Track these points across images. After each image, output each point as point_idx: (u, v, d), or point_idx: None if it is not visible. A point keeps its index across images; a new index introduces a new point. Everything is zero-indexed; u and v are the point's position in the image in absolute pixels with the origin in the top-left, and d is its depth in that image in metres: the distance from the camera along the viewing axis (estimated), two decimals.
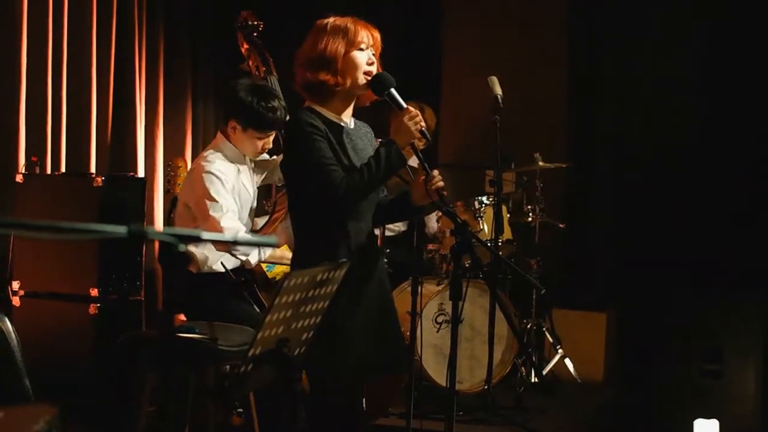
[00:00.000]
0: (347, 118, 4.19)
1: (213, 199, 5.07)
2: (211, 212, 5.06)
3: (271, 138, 5.35)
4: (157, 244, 6.44)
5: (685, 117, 7.91)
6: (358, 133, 4.24)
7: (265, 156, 5.58)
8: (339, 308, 3.89)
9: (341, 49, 4.06)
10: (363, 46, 4.09)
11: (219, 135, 5.40)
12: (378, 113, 4.65)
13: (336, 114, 4.14)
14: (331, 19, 4.14)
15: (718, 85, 7.78)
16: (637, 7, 8.13)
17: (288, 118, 5.36)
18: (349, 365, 4.07)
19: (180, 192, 5.40)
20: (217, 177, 5.13)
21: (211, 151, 5.31)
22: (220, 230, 4.99)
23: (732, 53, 7.76)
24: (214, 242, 5.04)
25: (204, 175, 5.13)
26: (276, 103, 5.26)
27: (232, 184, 5.21)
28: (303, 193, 4.14)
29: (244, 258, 5.18)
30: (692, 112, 7.90)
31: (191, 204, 5.21)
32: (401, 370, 4.48)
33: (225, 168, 5.21)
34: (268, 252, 5.25)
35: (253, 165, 5.49)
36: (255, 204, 5.50)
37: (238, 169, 5.32)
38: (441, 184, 4.10)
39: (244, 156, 5.36)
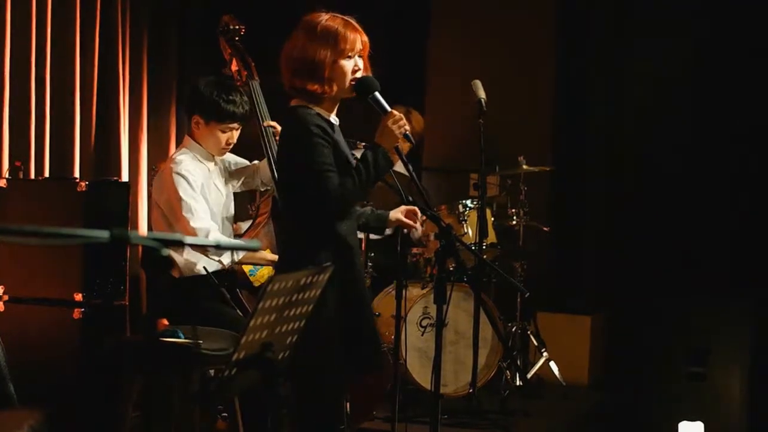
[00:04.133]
0: (335, 117, 4.21)
1: (182, 200, 5.11)
2: (182, 212, 5.09)
3: (235, 133, 5.36)
4: (140, 249, 6.43)
5: (674, 118, 7.92)
6: (340, 130, 4.26)
7: (245, 161, 5.60)
8: (334, 307, 3.92)
9: (329, 57, 4.05)
10: (351, 53, 4.08)
11: (186, 137, 5.43)
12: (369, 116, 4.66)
13: (327, 113, 4.15)
14: (322, 20, 4.10)
15: (710, 86, 7.80)
16: (626, 7, 8.14)
17: (253, 116, 5.42)
18: (343, 364, 4.09)
19: (152, 194, 5.42)
20: (184, 177, 5.15)
21: (180, 151, 5.34)
22: (190, 231, 5.03)
23: (727, 54, 7.78)
24: (195, 246, 5.06)
25: (173, 175, 5.16)
26: (236, 97, 5.30)
27: (201, 183, 5.22)
28: (296, 194, 4.13)
29: (216, 259, 5.20)
30: (682, 113, 7.91)
31: (161, 204, 5.23)
32: (376, 369, 4.49)
33: (194, 168, 5.23)
34: (242, 253, 5.27)
35: (229, 170, 5.51)
36: (233, 207, 5.50)
37: (208, 169, 5.34)
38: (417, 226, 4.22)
39: (213, 156, 5.37)
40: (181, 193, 5.13)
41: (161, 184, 5.27)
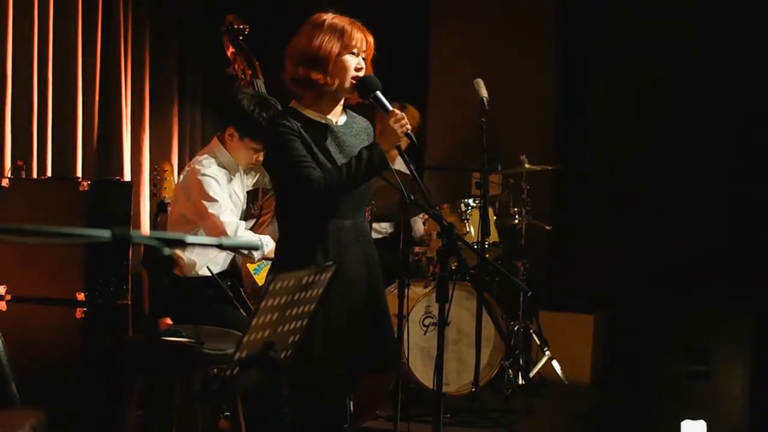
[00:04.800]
0: (334, 117, 4.21)
1: (210, 198, 5.13)
2: (210, 210, 5.10)
3: None
4: (142, 249, 6.43)
5: (674, 118, 7.92)
6: (348, 130, 4.26)
7: None
8: (332, 306, 3.92)
9: (335, 49, 4.09)
10: (355, 50, 4.12)
11: (215, 140, 5.42)
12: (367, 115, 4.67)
13: (320, 113, 4.17)
14: (329, 16, 4.15)
15: (710, 86, 7.80)
16: (626, 7, 8.14)
17: None
18: (317, 361, 4.08)
19: (172, 199, 5.41)
20: (211, 178, 5.17)
21: (206, 156, 5.35)
22: (220, 226, 5.05)
23: (727, 54, 7.77)
24: (202, 245, 5.06)
25: (199, 177, 5.18)
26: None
27: (224, 188, 5.25)
28: (284, 193, 4.18)
29: (245, 253, 5.21)
30: (682, 112, 7.91)
31: (188, 209, 5.24)
32: (383, 368, 4.48)
33: (218, 173, 5.25)
34: (269, 247, 5.26)
35: (245, 174, 5.53)
36: (244, 207, 5.53)
37: (230, 178, 5.35)
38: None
39: (238, 165, 5.39)
40: (209, 192, 5.15)
41: (186, 187, 5.28)
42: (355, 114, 4.35)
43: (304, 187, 4.02)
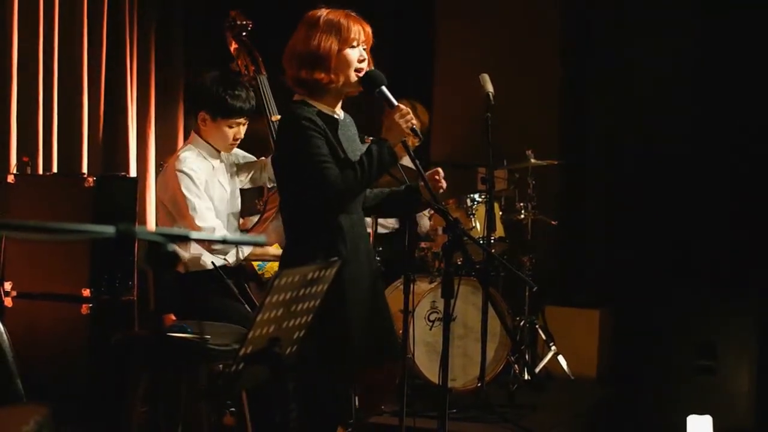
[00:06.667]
0: (339, 111, 4.22)
1: (187, 198, 5.11)
2: (188, 211, 5.10)
3: (242, 128, 5.37)
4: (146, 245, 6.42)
5: (679, 113, 7.91)
6: (347, 123, 4.27)
7: (253, 157, 5.60)
8: (337, 300, 3.92)
9: (334, 46, 4.08)
10: (355, 43, 4.11)
11: (192, 133, 5.43)
12: (369, 109, 4.67)
13: (330, 108, 4.16)
14: (323, 13, 4.14)
15: (714, 82, 7.79)
16: (630, 3, 8.14)
17: (258, 111, 5.42)
18: (355, 355, 4.11)
19: (156, 191, 5.42)
20: (187, 175, 5.16)
21: (185, 148, 5.34)
22: (196, 229, 5.03)
23: (727, 50, 7.76)
24: (201, 241, 5.07)
25: (176, 173, 5.17)
26: (242, 92, 5.30)
27: (204, 181, 5.23)
28: (296, 189, 4.15)
29: (221, 258, 5.20)
30: (687, 108, 7.90)
31: (166, 202, 5.24)
32: (395, 357, 4.50)
33: (197, 165, 5.23)
34: (247, 251, 5.27)
35: (235, 168, 5.50)
36: (239, 203, 5.50)
37: (213, 166, 5.33)
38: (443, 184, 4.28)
39: (219, 152, 5.37)
40: (185, 191, 5.14)
41: (165, 182, 5.28)
42: None
43: (322, 187, 4.00)
